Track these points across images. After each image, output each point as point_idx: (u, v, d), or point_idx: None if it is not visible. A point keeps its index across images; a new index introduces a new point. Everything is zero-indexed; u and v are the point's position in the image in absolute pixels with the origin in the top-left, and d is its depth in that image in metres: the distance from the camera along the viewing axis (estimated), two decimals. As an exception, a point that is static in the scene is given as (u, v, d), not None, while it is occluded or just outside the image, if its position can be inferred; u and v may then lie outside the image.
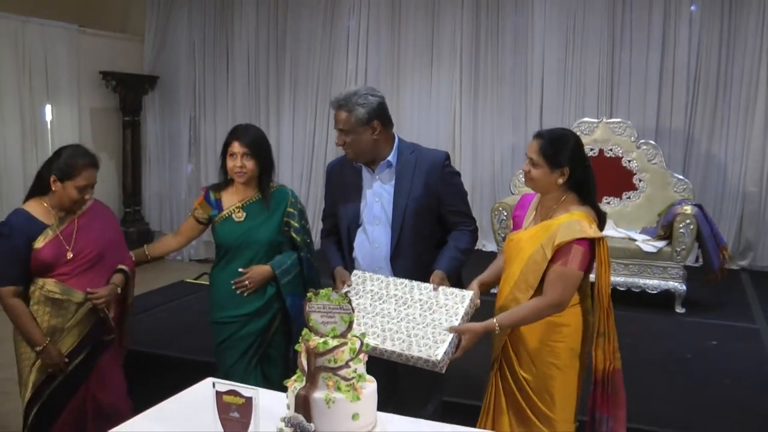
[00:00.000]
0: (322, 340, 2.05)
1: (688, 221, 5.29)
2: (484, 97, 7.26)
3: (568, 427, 2.78)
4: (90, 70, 7.52)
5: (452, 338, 2.66)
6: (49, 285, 3.11)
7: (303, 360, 2.07)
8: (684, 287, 5.34)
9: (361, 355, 2.09)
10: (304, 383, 2.05)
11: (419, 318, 2.77)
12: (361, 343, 2.09)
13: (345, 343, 2.05)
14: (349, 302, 2.10)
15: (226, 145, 3.28)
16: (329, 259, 3.21)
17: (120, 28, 8.04)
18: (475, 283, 2.92)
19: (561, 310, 2.67)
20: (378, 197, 3.10)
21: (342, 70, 7.63)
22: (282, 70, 7.82)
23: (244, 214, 3.33)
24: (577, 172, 2.72)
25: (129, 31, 8.12)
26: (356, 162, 3.10)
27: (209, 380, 2.67)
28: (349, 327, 2.09)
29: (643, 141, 6.13)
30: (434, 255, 3.07)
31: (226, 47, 7.98)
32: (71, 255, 3.12)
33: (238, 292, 3.29)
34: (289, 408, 2.09)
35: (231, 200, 3.34)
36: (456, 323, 2.69)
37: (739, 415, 3.66)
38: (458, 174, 3.21)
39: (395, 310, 2.84)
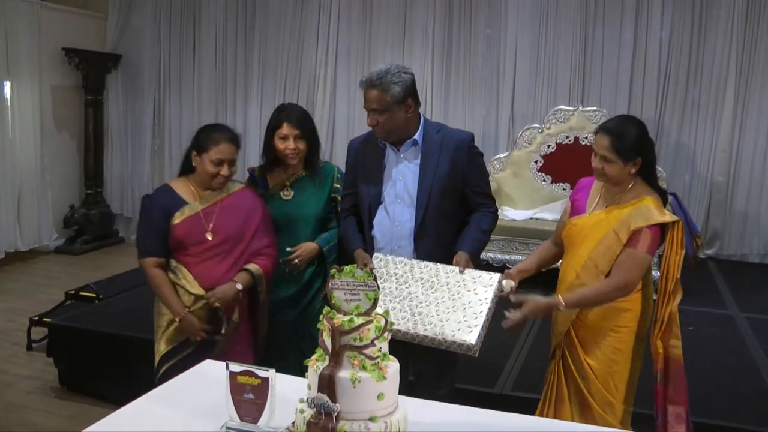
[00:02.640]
0: (347, 318, 2.00)
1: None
2: (456, 83, 7.23)
3: (627, 414, 2.81)
4: (52, 47, 7.30)
5: (484, 321, 2.66)
6: (174, 268, 3.09)
7: (326, 338, 2.01)
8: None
9: (386, 334, 2.04)
10: (327, 362, 2.00)
11: (448, 301, 2.74)
12: (386, 321, 2.05)
13: (370, 321, 2.00)
14: (375, 279, 2.04)
15: (275, 127, 3.27)
16: (350, 240, 3.17)
17: (83, 3, 7.79)
18: (515, 270, 2.91)
19: (628, 293, 2.69)
20: (402, 176, 3.06)
21: (312, 51, 7.52)
22: (250, 51, 7.68)
23: (292, 192, 3.33)
24: (648, 158, 2.74)
25: (92, 8, 7.89)
26: (385, 141, 3.05)
27: (208, 362, 2.61)
28: (374, 305, 2.04)
29: (616, 129, 6.16)
30: (456, 235, 3.05)
31: (193, 27, 7.80)
32: (210, 236, 3.06)
33: (287, 270, 3.25)
34: (310, 388, 2.03)
35: (277, 178, 3.35)
36: (486, 306, 2.69)
37: (723, 396, 3.73)
38: (482, 155, 3.20)
39: (423, 293, 2.80)
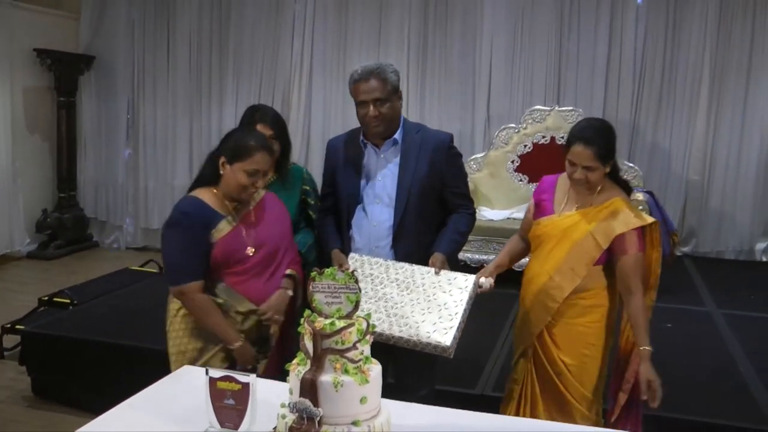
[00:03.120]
0: (328, 321, 1.97)
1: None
2: (432, 83, 7.22)
3: (599, 406, 2.89)
4: (23, 48, 7.19)
5: (459, 323, 2.67)
6: (217, 289, 2.78)
7: (307, 342, 1.99)
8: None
9: (368, 336, 2.02)
10: (308, 366, 1.97)
11: (424, 303, 2.75)
12: (368, 324, 2.02)
13: (352, 324, 1.98)
14: (356, 281, 2.02)
15: (248, 122, 3.19)
16: (327, 240, 3.13)
17: (55, 3, 7.68)
18: (492, 266, 2.93)
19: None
20: (382, 176, 3.05)
21: (287, 52, 7.48)
22: (225, 52, 7.61)
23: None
24: (616, 159, 2.80)
25: (64, 8, 7.78)
26: (381, 135, 3.00)
27: (186, 368, 2.58)
28: (356, 307, 2.01)
29: (593, 129, 6.18)
30: (434, 236, 3.04)
31: (167, 27, 7.71)
32: (252, 251, 2.80)
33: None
34: (291, 393, 2.00)
35: None
36: (461, 308, 2.70)
37: (702, 393, 3.75)
38: (461, 156, 3.20)
39: (398, 294, 2.79)
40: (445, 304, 2.72)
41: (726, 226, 6.77)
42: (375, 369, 2.01)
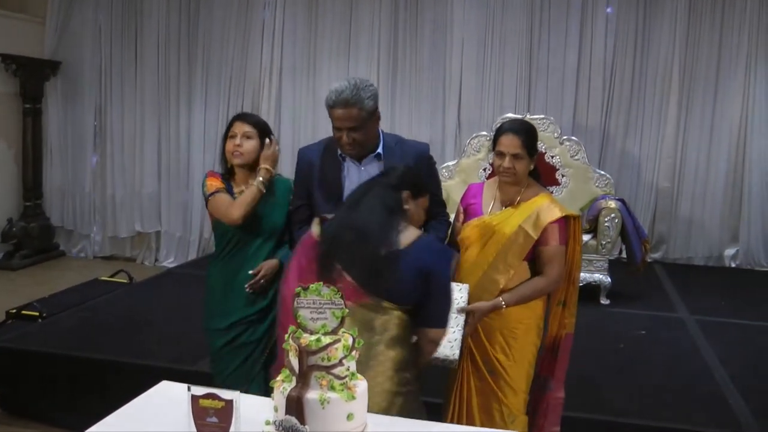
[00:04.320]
0: (314, 337, 1.95)
1: (612, 215, 5.42)
2: (402, 91, 7.20)
3: (526, 396, 2.96)
4: (-13, 53, 7.02)
5: (463, 335, 2.74)
6: None
7: (292, 359, 1.96)
8: (609, 279, 5.49)
9: (354, 352, 2.00)
10: (294, 383, 1.94)
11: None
12: (354, 340, 2.00)
13: (338, 340, 1.95)
14: (341, 297, 2.00)
15: (227, 128, 3.16)
16: None
17: (20, 8, 7.53)
18: None
19: (559, 285, 2.93)
20: None
21: (256, 58, 7.40)
22: (194, 58, 7.52)
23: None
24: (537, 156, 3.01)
25: (30, 12, 7.62)
26: (354, 158, 2.96)
27: (165, 384, 2.52)
28: (341, 323, 1.99)
29: (566, 137, 6.25)
30: None
31: (134, 33, 7.59)
32: None
33: (249, 290, 3.11)
34: (276, 410, 1.97)
35: (236, 189, 3.18)
36: (462, 318, 2.77)
37: (677, 399, 3.79)
38: (436, 163, 3.24)
39: None
40: None
41: (695, 232, 6.85)
42: (361, 385, 1.99)
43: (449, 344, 2.68)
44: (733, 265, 6.82)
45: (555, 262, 2.87)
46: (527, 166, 2.90)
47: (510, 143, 2.87)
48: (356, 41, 7.22)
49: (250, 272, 3.11)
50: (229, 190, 3.14)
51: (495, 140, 2.96)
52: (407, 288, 2.46)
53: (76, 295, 5.34)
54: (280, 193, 3.22)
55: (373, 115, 2.90)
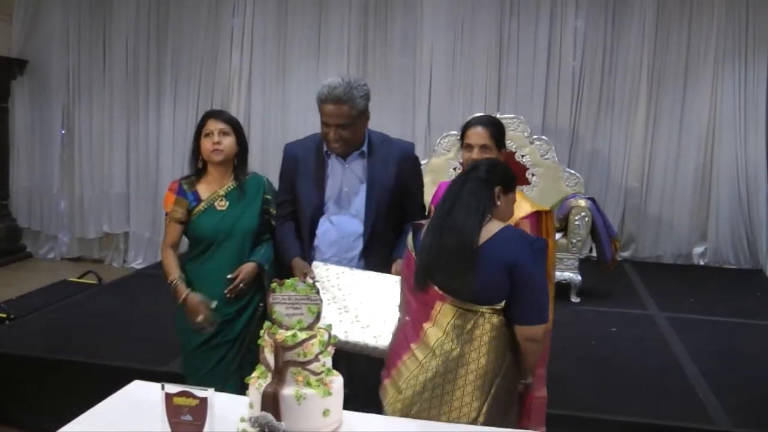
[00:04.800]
0: (289, 333, 1.94)
1: (583, 214, 5.46)
2: (372, 91, 7.08)
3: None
4: (-48, 51, 6.89)
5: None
6: None
7: (268, 355, 1.95)
8: (579, 277, 5.53)
9: (330, 348, 1.99)
10: (270, 380, 1.93)
11: (391, 311, 2.68)
12: (329, 335, 2.00)
13: (314, 336, 1.95)
14: (317, 292, 1.99)
15: (200, 127, 3.12)
16: (287, 248, 3.06)
17: (-15, 6, 7.41)
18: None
19: None
20: (348, 187, 3.02)
21: (226, 58, 7.33)
22: (163, 57, 7.42)
23: (227, 202, 3.15)
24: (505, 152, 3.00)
25: (-5, 10, 7.51)
26: (341, 155, 2.99)
27: (137, 383, 2.48)
28: (317, 318, 1.99)
29: (536, 136, 6.28)
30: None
31: (103, 31, 7.48)
32: None
33: (228, 295, 3.08)
34: (252, 407, 1.96)
35: (209, 189, 3.15)
36: None
37: (649, 394, 3.83)
38: (420, 165, 3.25)
39: (364, 303, 2.75)
40: None
41: (664, 231, 6.90)
42: (337, 381, 1.98)
43: (373, 337, 2.64)
44: (701, 263, 6.89)
45: None
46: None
47: (478, 135, 2.87)
48: (326, 43, 7.18)
49: (229, 276, 3.08)
50: (195, 200, 3.13)
51: (463, 134, 2.97)
52: (492, 285, 2.32)
53: (44, 296, 5.26)
54: (251, 193, 3.20)
55: (363, 115, 2.96)
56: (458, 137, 6.41)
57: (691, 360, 4.28)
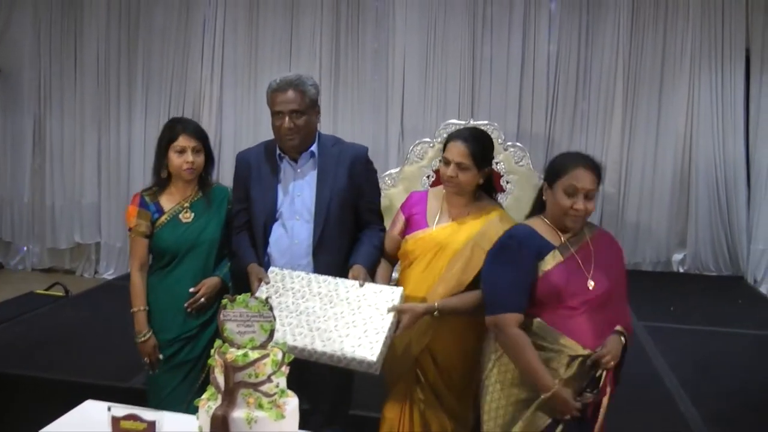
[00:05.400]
0: (240, 352, 1.83)
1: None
2: (344, 98, 7.08)
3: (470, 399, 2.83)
4: None
5: (386, 337, 2.57)
6: (537, 327, 2.51)
7: (218, 375, 1.84)
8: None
9: (284, 368, 1.89)
10: (219, 402, 1.82)
11: (348, 317, 2.65)
12: (283, 355, 1.89)
13: (266, 355, 1.84)
14: (270, 309, 1.89)
15: (169, 140, 3.00)
16: (242, 255, 3.00)
17: (-45, 14, 7.26)
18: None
19: None
20: (300, 191, 2.97)
21: (197, 66, 7.22)
22: (134, 66, 7.32)
23: (192, 214, 3.07)
24: (491, 170, 2.85)
25: (-35, 19, 7.36)
26: (296, 149, 2.93)
27: (89, 403, 2.37)
28: (270, 336, 1.88)
29: (510, 143, 6.20)
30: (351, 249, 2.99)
31: (74, 40, 7.36)
32: (592, 284, 2.51)
33: (189, 310, 3.00)
34: (201, 431, 1.85)
35: (172, 201, 3.07)
36: (387, 322, 2.61)
37: (627, 405, 3.65)
38: (376, 172, 3.18)
39: (321, 308, 2.69)
40: (370, 317, 2.63)
41: (643, 237, 6.83)
42: (291, 403, 1.88)
43: (369, 345, 2.54)
44: (681, 270, 6.83)
45: None
46: (474, 178, 2.75)
47: (456, 151, 2.74)
48: (297, 51, 7.08)
49: (191, 290, 3.01)
50: (157, 212, 3.05)
51: (444, 146, 2.83)
52: None
53: (9, 309, 5.14)
54: (216, 203, 3.13)
55: (315, 106, 2.92)
56: (432, 145, 6.40)
57: (671, 370, 4.21)
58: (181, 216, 3.04)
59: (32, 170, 7.57)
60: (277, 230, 2.96)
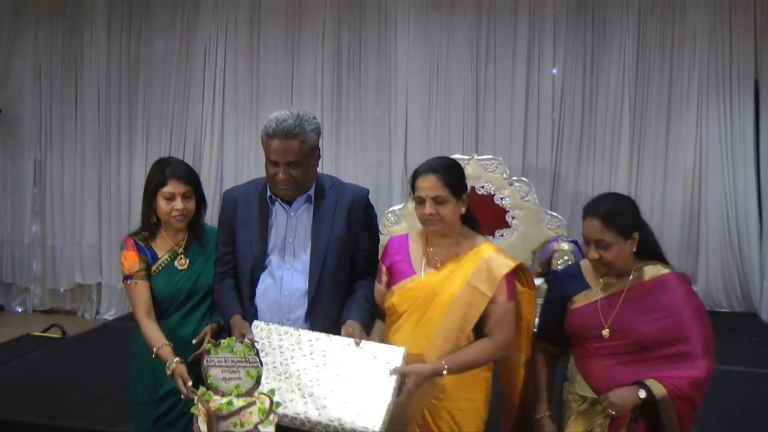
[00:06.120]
0: (225, 400, 1.72)
1: (566, 257, 5.29)
2: (346, 134, 7.03)
3: None
4: None
5: (388, 404, 2.30)
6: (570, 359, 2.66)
7: (201, 425, 1.73)
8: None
9: (271, 416, 1.77)
10: (203, 454, 1.70)
11: (345, 380, 2.36)
12: (271, 402, 1.78)
13: (253, 403, 1.73)
14: (257, 353, 1.78)
15: (158, 184, 2.82)
16: (225, 306, 2.72)
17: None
18: None
19: (509, 350, 2.56)
20: (293, 237, 2.69)
21: (198, 105, 7.19)
22: (134, 106, 7.29)
23: (187, 260, 2.90)
24: (467, 197, 2.61)
25: (-35, 60, 7.37)
26: (289, 198, 2.68)
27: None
28: (257, 383, 1.77)
29: (515, 178, 6.12)
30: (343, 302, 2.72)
31: (74, 81, 7.35)
32: (607, 333, 2.51)
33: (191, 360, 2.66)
34: (183, 486, 1.72)
35: (165, 246, 2.90)
36: (391, 387, 2.33)
37: None
38: (376, 216, 2.90)
39: (314, 370, 2.40)
40: (370, 381, 2.34)
41: (653, 274, 6.70)
42: (280, 454, 1.76)
43: (370, 414, 2.26)
44: (691, 307, 6.68)
45: (504, 322, 2.49)
46: (455, 209, 2.51)
47: (428, 185, 2.49)
48: (299, 89, 7.04)
49: (194, 341, 2.72)
50: (151, 257, 2.88)
51: (412, 186, 2.58)
52: None
53: (5, 352, 5.05)
54: (210, 246, 2.94)
55: (315, 152, 2.64)
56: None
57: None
58: (176, 263, 2.88)
59: (33, 211, 7.52)
60: (265, 280, 2.69)
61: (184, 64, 7.19)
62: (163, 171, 2.82)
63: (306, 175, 2.62)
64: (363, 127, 7.00)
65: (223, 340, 1.78)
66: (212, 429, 1.69)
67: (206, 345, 1.78)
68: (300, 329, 2.54)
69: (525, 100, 6.73)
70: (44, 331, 5.76)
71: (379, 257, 2.76)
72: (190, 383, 2.48)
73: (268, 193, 2.71)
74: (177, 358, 2.60)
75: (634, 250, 2.52)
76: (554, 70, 6.69)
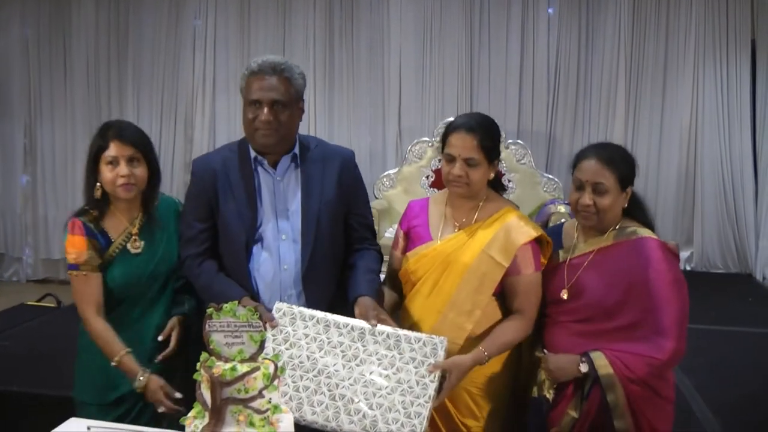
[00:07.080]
0: (228, 365, 1.68)
1: (563, 220, 5.23)
2: (339, 99, 6.97)
3: None
4: None
5: (430, 408, 2.09)
6: None
7: (205, 391, 1.69)
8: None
9: (276, 381, 1.74)
10: (206, 420, 1.67)
11: (380, 379, 2.13)
12: (276, 367, 1.74)
13: (257, 368, 1.69)
14: (260, 317, 1.74)
15: (99, 150, 2.43)
16: (219, 292, 2.34)
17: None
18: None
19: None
20: (284, 204, 2.46)
21: (189, 70, 7.12)
22: (124, 75, 7.21)
23: (142, 242, 2.49)
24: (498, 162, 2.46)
25: (-49, 27, 7.24)
26: (271, 149, 2.43)
27: (73, 420, 2.22)
28: (260, 348, 1.74)
29: (511, 141, 6.08)
30: (344, 277, 2.51)
31: (63, 47, 7.25)
32: (565, 293, 2.36)
33: (160, 362, 2.41)
34: (187, 452, 1.70)
35: (119, 226, 2.48)
36: (432, 387, 2.11)
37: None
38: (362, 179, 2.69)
39: (345, 367, 2.16)
40: (408, 381, 2.12)
41: (648, 235, 6.70)
42: (286, 419, 1.74)
43: (409, 421, 2.04)
44: (688, 268, 6.67)
45: (532, 294, 2.33)
46: (485, 174, 2.34)
47: (462, 144, 2.30)
48: (290, 51, 6.94)
49: (160, 338, 2.43)
50: (104, 242, 2.45)
51: (444, 140, 2.40)
52: None
53: (7, 318, 4.99)
54: (164, 222, 2.57)
55: (299, 102, 2.45)
56: (431, 144, 6.23)
57: (683, 373, 4.05)
58: (129, 246, 2.47)
59: (25, 181, 7.45)
60: (259, 255, 2.44)
61: (174, 32, 7.10)
62: (105, 134, 2.44)
63: (289, 122, 2.40)
64: (356, 91, 6.94)
65: (225, 305, 1.73)
66: (216, 395, 1.65)
67: (209, 310, 1.73)
68: (327, 315, 2.28)
69: (520, 62, 6.68)
70: (39, 301, 5.71)
71: (398, 223, 2.61)
72: (177, 395, 2.26)
73: (252, 155, 2.48)
74: (147, 372, 2.32)
75: (625, 206, 2.41)
76: (550, 9, 6.64)
